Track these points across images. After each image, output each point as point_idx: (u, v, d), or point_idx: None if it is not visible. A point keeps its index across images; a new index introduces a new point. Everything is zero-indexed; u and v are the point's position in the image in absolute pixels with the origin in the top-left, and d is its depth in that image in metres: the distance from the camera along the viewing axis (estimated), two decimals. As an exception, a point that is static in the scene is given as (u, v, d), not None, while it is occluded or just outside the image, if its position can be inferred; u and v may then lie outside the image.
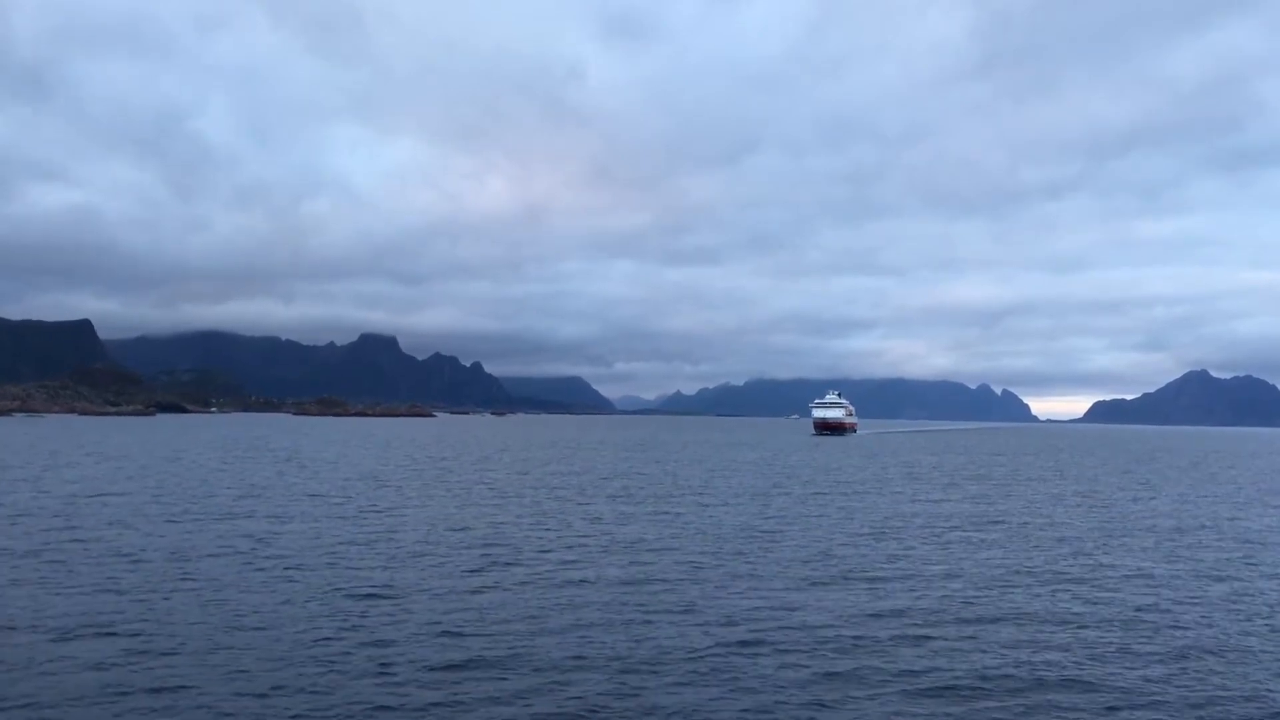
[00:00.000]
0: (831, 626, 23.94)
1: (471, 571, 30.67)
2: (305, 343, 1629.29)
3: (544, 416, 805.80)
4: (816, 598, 27.60)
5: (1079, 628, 24.40)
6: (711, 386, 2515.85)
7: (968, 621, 24.82)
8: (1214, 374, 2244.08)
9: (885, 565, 33.55)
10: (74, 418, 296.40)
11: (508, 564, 32.30)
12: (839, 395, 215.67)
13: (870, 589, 29.08)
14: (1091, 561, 35.20)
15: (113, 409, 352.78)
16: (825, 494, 61.76)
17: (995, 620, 25.06)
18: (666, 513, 49.04)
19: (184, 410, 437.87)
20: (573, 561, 33.16)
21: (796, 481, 72.74)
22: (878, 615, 25.36)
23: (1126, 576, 32.14)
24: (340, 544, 35.86)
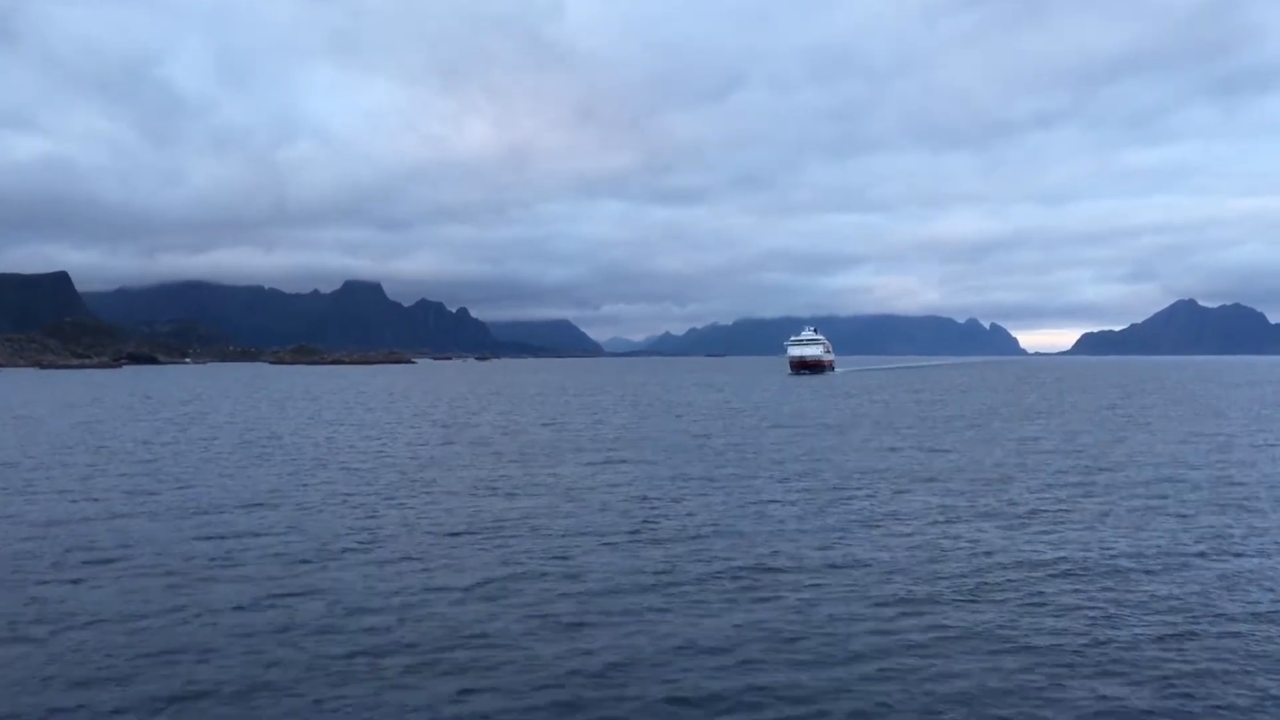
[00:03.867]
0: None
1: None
2: (289, 291, 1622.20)
3: (530, 361, 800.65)
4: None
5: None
6: (700, 327, 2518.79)
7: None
8: (1202, 303, 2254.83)
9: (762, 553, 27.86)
10: (33, 371, 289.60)
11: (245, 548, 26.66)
12: (815, 332, 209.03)
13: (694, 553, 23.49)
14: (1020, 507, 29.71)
15: (77, 362, 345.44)
16: (742, 445, 56.11)
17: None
18: (542, 475, 43.33)
19: (155, 362, 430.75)
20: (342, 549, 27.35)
21: (727, 429, 67.05)
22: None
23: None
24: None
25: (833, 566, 23.76)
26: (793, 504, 32.88)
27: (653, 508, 32.11)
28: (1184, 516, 30.56)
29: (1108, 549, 25.64)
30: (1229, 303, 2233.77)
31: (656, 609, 20.15)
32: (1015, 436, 58.41)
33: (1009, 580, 22.38)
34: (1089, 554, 24.97)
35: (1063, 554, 24.97)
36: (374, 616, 19.46)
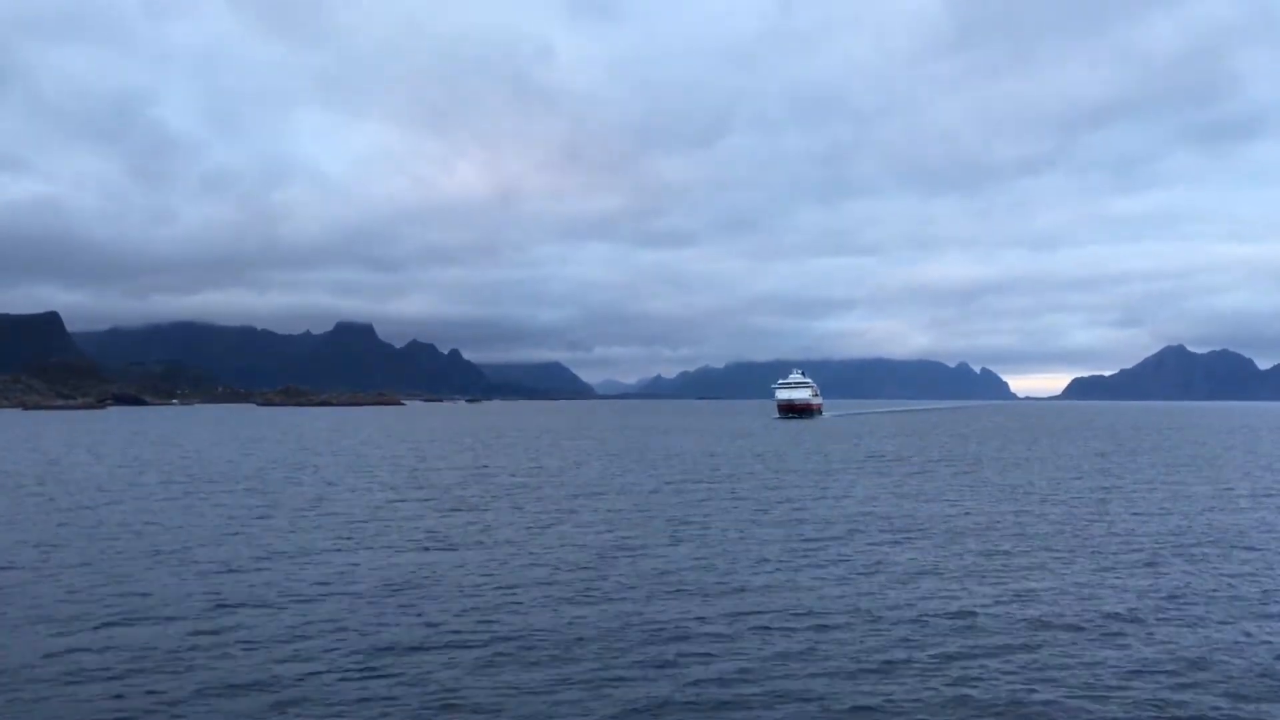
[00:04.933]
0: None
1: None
2: (280, 332, 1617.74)
3: (521, 403, 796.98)
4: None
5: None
6: (691, 370, 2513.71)
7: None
8: (1191, 349, 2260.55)
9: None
10: (16, 412, 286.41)
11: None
12: (803, 374, 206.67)
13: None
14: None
15: (61, 403, 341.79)
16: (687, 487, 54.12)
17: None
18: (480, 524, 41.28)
19: (142, 403, 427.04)
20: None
21: (705, 475, 65.04)
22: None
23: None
24: None
25: (790, 630, 21.81)
26: (762, 560, 30.89)
27: (604, 565, 30.07)
28: (1161, 572, 28.67)
29: (1089, 611, 23.72)
30: (1218, 348, 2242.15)
31: (562, 681, 18.20)
32: (1002, 484, 56.55)
33: (977, 646, 20.46)
34: (1067, 614, 23.05)
35: (1040, 614, 23.06)
36: (264, 694, 17.48)
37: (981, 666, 19.30)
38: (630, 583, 27.22)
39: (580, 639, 21.19)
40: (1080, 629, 22.21)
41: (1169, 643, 21.14)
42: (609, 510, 43.46)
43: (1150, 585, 27.02)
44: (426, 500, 47.64)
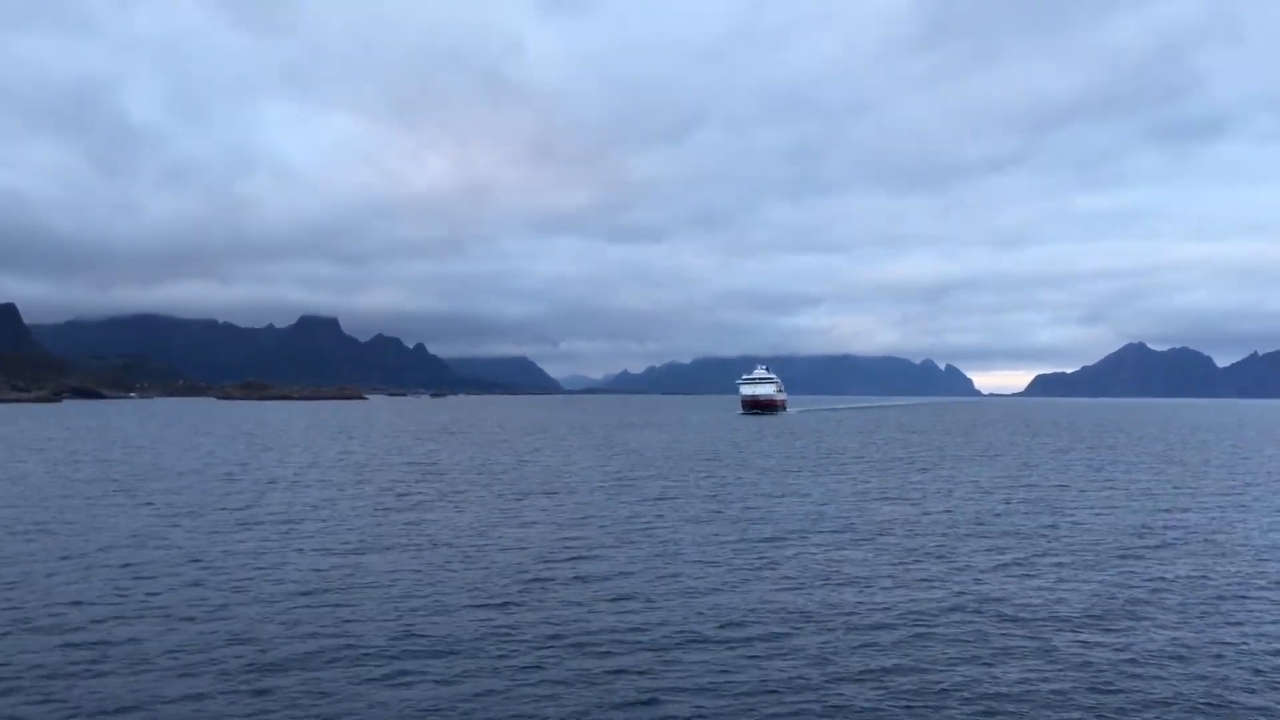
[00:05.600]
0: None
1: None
2: (244, 325, 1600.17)
3: (485, 397, 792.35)
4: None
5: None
6: (659, 365, 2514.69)
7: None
8: (1151, 346, 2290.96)
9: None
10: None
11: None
12: (767, 370, 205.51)
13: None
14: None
15: (14, 395, 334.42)
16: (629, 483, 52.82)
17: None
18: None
19: (99, 396, 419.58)
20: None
21: (660, 472, 63.71)
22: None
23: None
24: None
25: (735, 640, 20.42)
26: (710, 563, 29.50)
27: (542, 568, 28.58)
28: (1122, 569, 27.58)
29: (1052, 610, 22.53)
30: (1177, 346, 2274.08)
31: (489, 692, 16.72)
32: (964, 479, 55.63)
33: (930, 648, 19.18)
34: (1028, 613, 21.85)
35: (1007, 609, 21.84)
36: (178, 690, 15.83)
37: (938, 670, 18.04)
38: (566, 588, 25.77)
39: (503, 650, 19.72)
40: (1041, 629, 21.01)
41: (1131, 640, 19.98)
42: (556, 510, 41.95)
43: (1112, 582, 25.92)
44: (368, 498, 45.89)
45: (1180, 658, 19.67)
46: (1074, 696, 17.34)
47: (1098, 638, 21.06)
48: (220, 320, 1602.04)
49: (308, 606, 23.27)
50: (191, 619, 21.96)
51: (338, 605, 23.40)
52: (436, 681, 17.79)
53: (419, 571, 27.73)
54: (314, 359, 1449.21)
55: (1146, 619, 22.79)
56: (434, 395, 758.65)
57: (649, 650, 20.02)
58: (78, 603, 23.29)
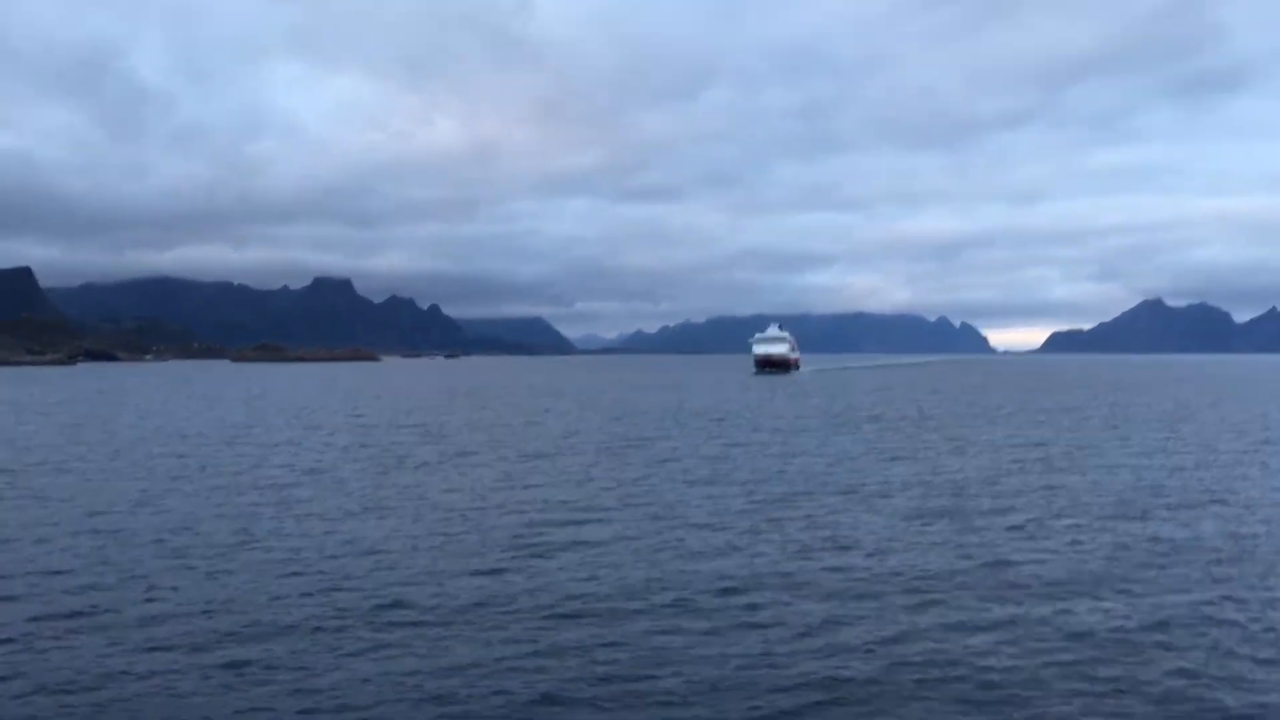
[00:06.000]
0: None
1: None
2: (258, 287, 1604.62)
3: (500, 359, 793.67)
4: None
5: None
6: (673, 324, 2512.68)
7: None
8: (1168, 302, 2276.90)
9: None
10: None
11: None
12: (781, 329, 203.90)
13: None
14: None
15: (30, 359, 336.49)
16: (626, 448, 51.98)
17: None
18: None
19: (115, 359, 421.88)
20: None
21: (670, 433, 62.89)
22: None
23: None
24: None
25: (732, 605, 19.57)
26: (713, 527, 28.65)
27: (542, 532, 27.76)
28: (1134, 532, 26.57)
29: (1064, 574, 21.60)
30: (1195, 302, 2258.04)
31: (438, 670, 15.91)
32: (977, 439, 54.63)
33: (942, 618, 18.30)
34: (1042, 578, 20.92)
35: (1014, 578, 20.92)
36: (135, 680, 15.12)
37: (948, 638, 17.17)
38: (563, 553, 24.98)
39: (495, 620, 18.94)
40: (1055, 593, 20.10)
41: (1147, 606, 19.04)
42: (559, 472, 41.20)
43: (1127, 544, 24.95)
44: (368, 461, 45.25)
45: (1199, 621, 18.74)
46: (1087, 666, 16.45)
47: (1111, 603, 20.13)
48: (235, 282, 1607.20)
49: (295, 574, 22.55)
50: (174, 588, 21.24)
51: (325, 573, 22.65)
52: (420, 655, 17.02)
53: (414, 537, 27.00)
54: (329, 321, 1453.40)
55: (1160, 582, 21.84)
56: (448, 356, 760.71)
57: (646, 617, 19.24)
58: (57, 572, 22.61)
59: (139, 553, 24.75)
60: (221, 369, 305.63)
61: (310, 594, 20.82)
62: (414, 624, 18.72)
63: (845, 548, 25.53)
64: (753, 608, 19.90)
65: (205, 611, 19.42)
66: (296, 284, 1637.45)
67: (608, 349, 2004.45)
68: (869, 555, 24.65)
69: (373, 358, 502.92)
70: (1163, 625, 18.60)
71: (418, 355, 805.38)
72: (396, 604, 20.06)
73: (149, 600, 20.25)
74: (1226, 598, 20.54)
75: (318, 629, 18.39)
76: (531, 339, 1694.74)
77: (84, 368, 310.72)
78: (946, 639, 17.84)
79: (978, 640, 17.75)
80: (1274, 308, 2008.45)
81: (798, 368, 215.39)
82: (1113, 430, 61.83)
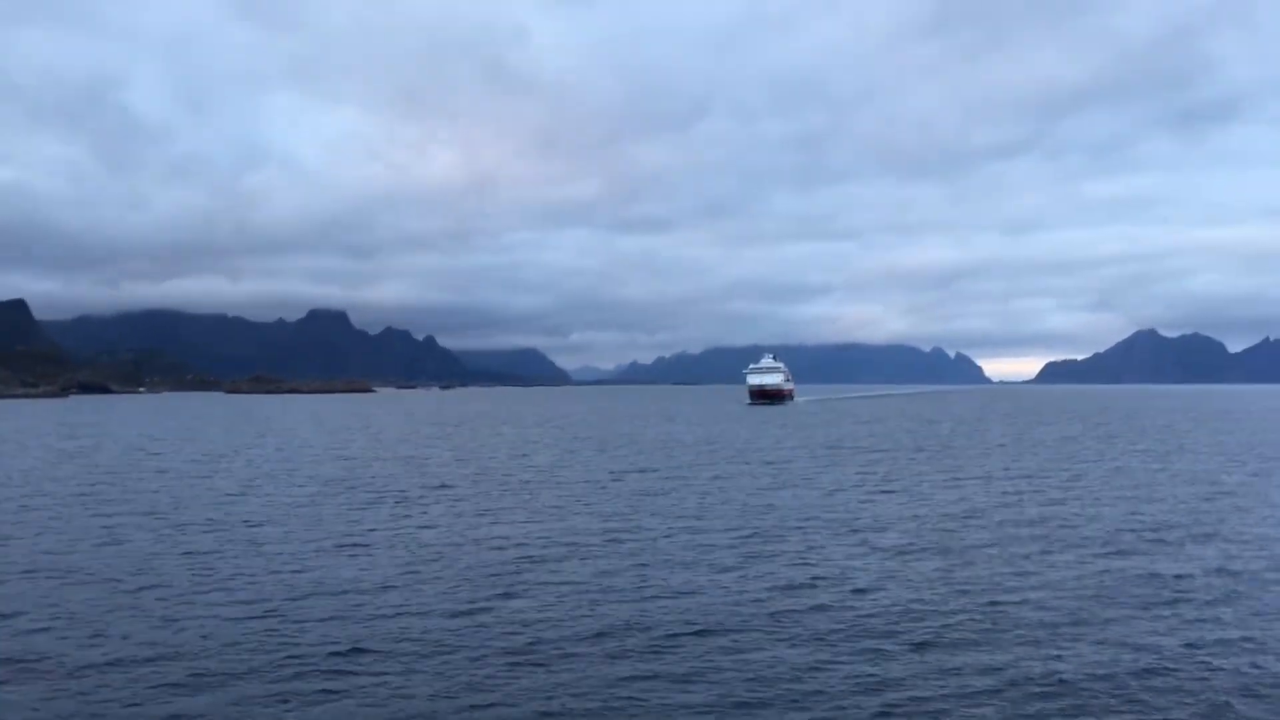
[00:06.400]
0: None
1: None
2: (254, 319, 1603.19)
3: (494, 389, 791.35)
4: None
5: None
6: (668, 355, 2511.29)
7: None
8: (1163, 332, 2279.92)
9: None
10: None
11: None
12: (775, 359, 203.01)
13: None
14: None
15: (22, 392, 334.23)
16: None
17: None
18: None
19: (108, 391, 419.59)
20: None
21: (658, 466, 61.80)
22: None
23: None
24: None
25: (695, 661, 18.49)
26: (699, 564, 27.56)
27: (518, 569, 26.68)
28: (1133, 560, 25.53)
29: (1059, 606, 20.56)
30: (1189, 332, 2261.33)
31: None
32: (972, 474, 53.54)
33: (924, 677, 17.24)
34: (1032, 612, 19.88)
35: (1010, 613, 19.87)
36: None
37: (942, 676, 16.13)
38: (540, 590, 23.93)
39: (454, 663, 17.87)
40: (1052, 627, 19.06)
41: (1144, 639, 18.02)
42: (545, 506, 40.10)
43: (1124, 575, 23.91)
44: (346, 496, 44.08)
45: (1198, 652, 17.73)
46: (1087, 699, 15.44)
47: (1107, 634, 19.11)
48: (230, 314, 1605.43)
49: (255, 618, 21.47)
50: (124, 635, 20.12)
51: (286, 617, 21.58)
52: (374, 704, 15.95)
53: (385, 576, 25.89)
54: (324, 352, 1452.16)
55: (1165, 614, 20.83)
56: (443, 388, 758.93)
57: (620, 661, 18.21)
58: (3, 615, 21.49)
59: (92, 595, 23.64)
60: (213, 400, 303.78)
61: (269, 638, 19.75)
62: (373, 672, 17.66)
63: (833, 586, 24.49)
64: (734, 650, 18.87)
65: (151, 659, 18.32)
66: (292, 316, 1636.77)
67: (603, 380, 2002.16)
68: (858, 594, 23.60)
69: (367, 389, 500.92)
70: (1154, 672, 17.59)
71: (413, 386, 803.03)
72: (356, 649, 18.99)
73: (92, 646, 19.15)
74: (1219, 640, 19.54)
75: (272, 678, 17.32)
76: (527, 370, 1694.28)
77: (76, 400, 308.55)
78: (937, 684, 16.81)
79: (969, 686, 16.72)
80: (1267, 338, 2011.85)
81: (792, 398, 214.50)
82: (1107, 462, 60.80)
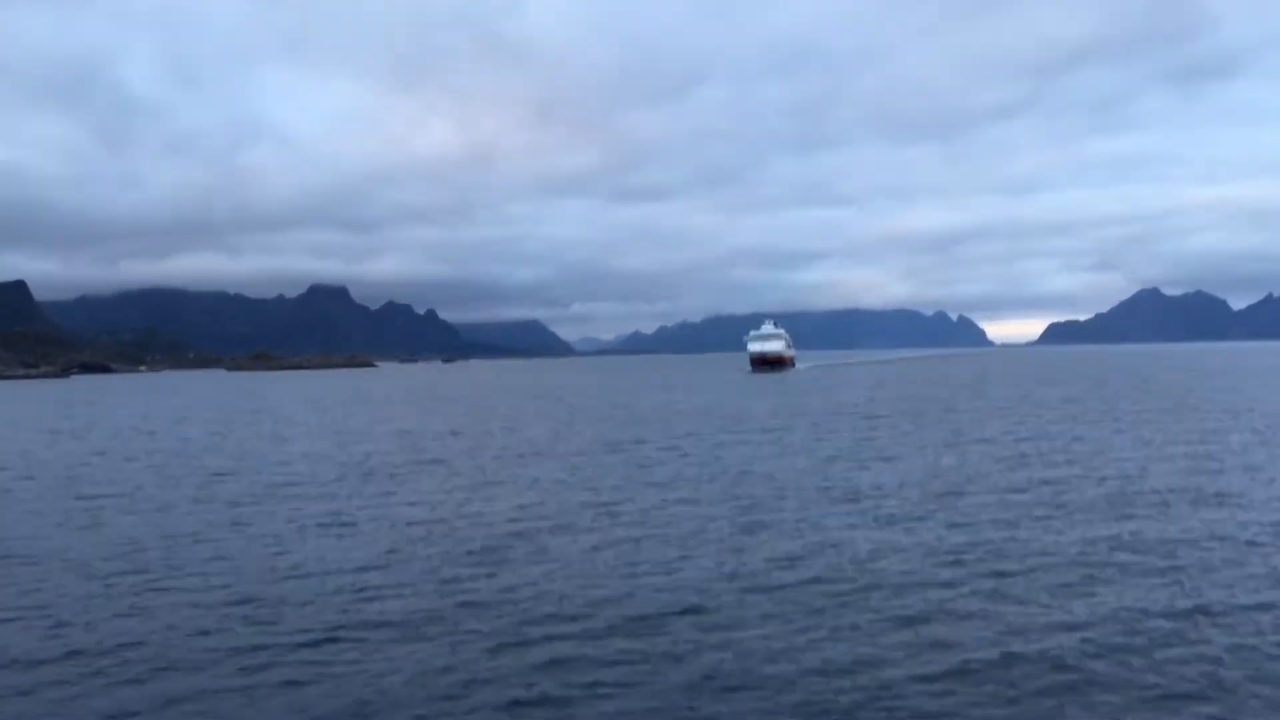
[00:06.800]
0: None
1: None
2: (254, 296, 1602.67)
3: (496, 362, 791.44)
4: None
5: None
6: (670, 324, 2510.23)
7: None
8: (1165, 291, 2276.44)
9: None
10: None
11: None
12: (776, 325, 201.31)
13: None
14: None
15: (23, 372, 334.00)
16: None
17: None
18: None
19: (108, 370, 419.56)
20: None
21: (654, 435, 61.03)
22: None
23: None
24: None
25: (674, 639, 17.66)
26: (685, 538, 26.72)
27: (501, 546, 25.85)
28: (1139, 523, 24.68)
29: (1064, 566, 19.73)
30: (1192, 290, 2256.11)
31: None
32: (974, 437, 52.66)
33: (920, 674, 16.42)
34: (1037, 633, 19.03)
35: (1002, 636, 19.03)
36: None
37: (947, 646, 15.31)
38: (524, 567, 23.13)
39: (422, 643, 17.08)
40: (1056, 594, 18.23)
41: (1142, 604, 17.19)
42: (537, 480, 39.26)
43: (1126, 537, 23.06)
44: (337, 471, 43.30)
45: (1200, 615, 16.92)
46: (1082, 665, 14.64)
47: (1113, 603, 18.28)
48: (230, 292, 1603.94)
49: (231, 603, 20.68)
50: (88, 623, 19.33)
51: (263, 600, 20.81)
52: (344, 695, 15.14)
53: (369, 556, 25.12)
54: (325, 328, 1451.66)
55: (1158, 575, 20.01)
56: (445, 361, 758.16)
57: (615, 635, 17.49)
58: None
59: (59, 581, 22.84)
60: (214, 378, 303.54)
61: (241, 625, 18.97)
62: (346, 660, 16.85)
63: (829, 558, 23.66)
64: (725, 628, 18.07)
65: (111, 650, 17.51)
66: (292, 292, 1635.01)
67: (605, 350, 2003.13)
68: (855, 565, 22.78)
69: (369, 364, 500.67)
70: (1162, 642, 16.77)
71: (415, 360, 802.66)
72: (330, 635, 18.17)
73: (53, 638, 18.34)
74: (1234, 606, 18.70)
75: (238, 668, 16.52)
76: (529, 342, 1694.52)
77: (77, 380, 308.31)
78: (936, 660, 16.02)
79: (970, 662, 15.90)
80: (1270, 294, 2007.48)
81: (793, 365, 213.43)
82: (1111, 422, 59.93)
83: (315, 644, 17.66)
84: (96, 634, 18.52)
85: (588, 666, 16.17)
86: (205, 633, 18.49)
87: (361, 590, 21.49)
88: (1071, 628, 17.59)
